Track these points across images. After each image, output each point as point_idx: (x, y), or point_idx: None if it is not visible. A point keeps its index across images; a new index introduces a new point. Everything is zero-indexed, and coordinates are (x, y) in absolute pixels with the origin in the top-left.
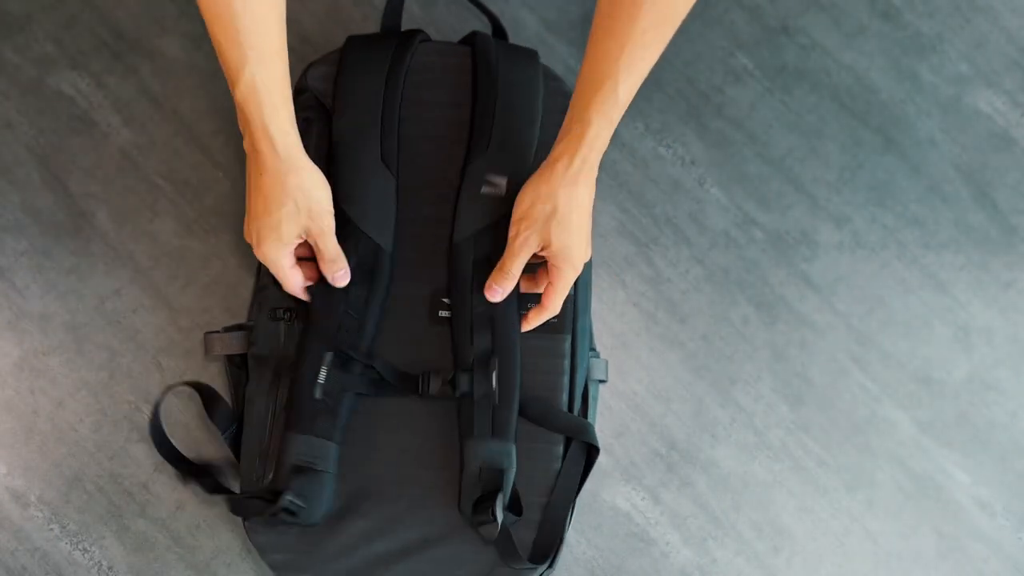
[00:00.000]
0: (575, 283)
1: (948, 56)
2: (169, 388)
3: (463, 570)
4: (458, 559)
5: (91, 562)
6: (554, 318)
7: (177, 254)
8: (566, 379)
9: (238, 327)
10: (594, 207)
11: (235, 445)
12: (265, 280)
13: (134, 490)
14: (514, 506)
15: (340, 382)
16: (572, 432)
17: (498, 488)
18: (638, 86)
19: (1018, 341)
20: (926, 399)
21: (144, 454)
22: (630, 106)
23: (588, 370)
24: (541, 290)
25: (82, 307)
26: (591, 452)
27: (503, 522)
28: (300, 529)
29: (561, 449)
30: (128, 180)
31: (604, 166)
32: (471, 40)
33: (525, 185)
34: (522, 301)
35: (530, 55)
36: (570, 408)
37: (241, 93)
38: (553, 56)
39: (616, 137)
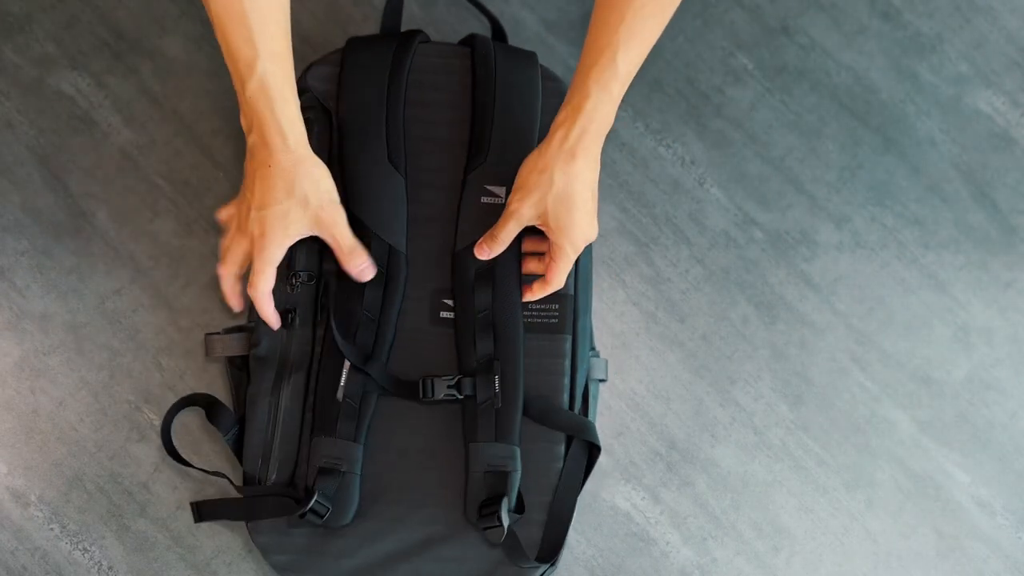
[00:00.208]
0: (575, 284)
1: (948, 56)
2: (173, 411)
3: (467, 569)
4: (462, 558)
5: (91, 562)
6: (554, 314)
7: (177, 254)
8: (567, 379)
9: (239, 328)
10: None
11: (237, 447)
12: None
13: (134, 490)
14: (517, 505)
15: (362, 384)
16: (574, 431)
17: (503, 492)
18: (639, 61)
19: (1018, 341)
20: (926, 399)
21: (144, 454)
22: (630, 106)
23: (588, 370)
24: (543, 270)
25: (82, 307)
26: (592, 451)
27: (511, 525)
28: (307, 530)
29: (562, 449)
30: (128, 180)
31: (604, 166)
32: (470, 42)
33: (527, 157)
34: (537, 304)
35: (529, 57)
36: (571, 407)
37: (252, 89)
38: (553, 56)
39: (616, 137)
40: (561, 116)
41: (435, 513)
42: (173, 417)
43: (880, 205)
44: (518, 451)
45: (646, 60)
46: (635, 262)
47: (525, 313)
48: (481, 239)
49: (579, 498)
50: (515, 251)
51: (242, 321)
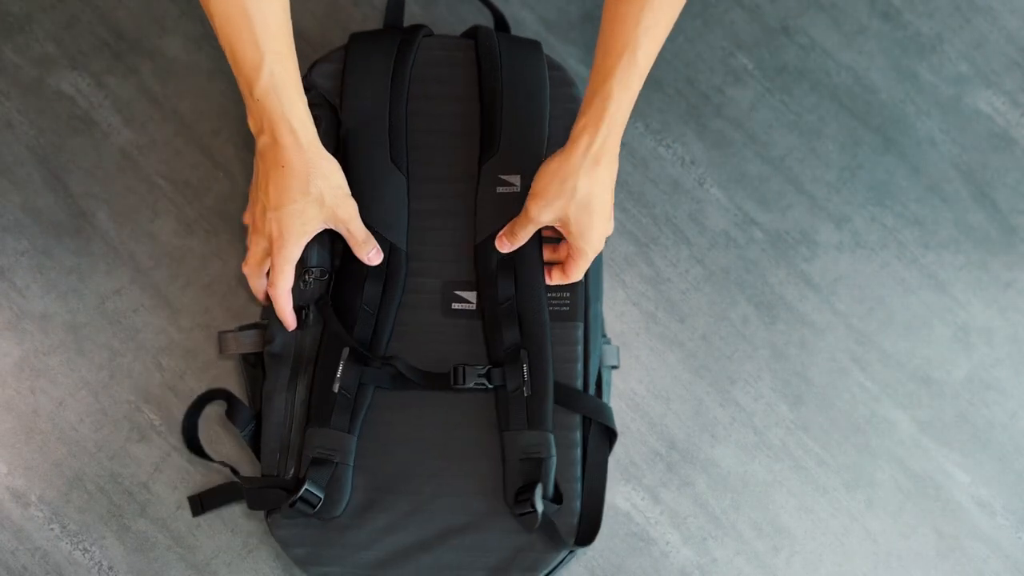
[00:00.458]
0: (586, 272)
1: (948, 56)
2: (196, 406)
3: (488, 557)
4: (482, 547)
5: (91, 562)
6: (566, 302)
7: (177, 254)
8: (580, 366)
9: (252, 325)
10: None
11: (254, 443)
12: None
13: (134, 490)
14: (555, 495)
15: (358, 376)
16: (593, 414)
17: (537, 479)
18: (656, 53)
19: (1018, 341)
20: (926, 399)
21: (144, 454)
22: None
23: (601, 356)
24: (562, 259)
25: (82, 307)
26: (610, 436)
27: (545, 511)
28: (323, 522)
29: (578, 435)
30: (128, 180)
31: None
32: (473, 34)
33: (547, 162)
34: (548, 292)
35: (533, 46)
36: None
37: (261, 90)
38: (553, 55)
39: None
40: (583, 121)
41: (453, 503)
42: (199, 414)
43: (880, 205)
44: (552, 438)
45: None
46: (635, 262)
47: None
48: (501, 232)
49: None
50: (536, 240)
51: (243, 319)
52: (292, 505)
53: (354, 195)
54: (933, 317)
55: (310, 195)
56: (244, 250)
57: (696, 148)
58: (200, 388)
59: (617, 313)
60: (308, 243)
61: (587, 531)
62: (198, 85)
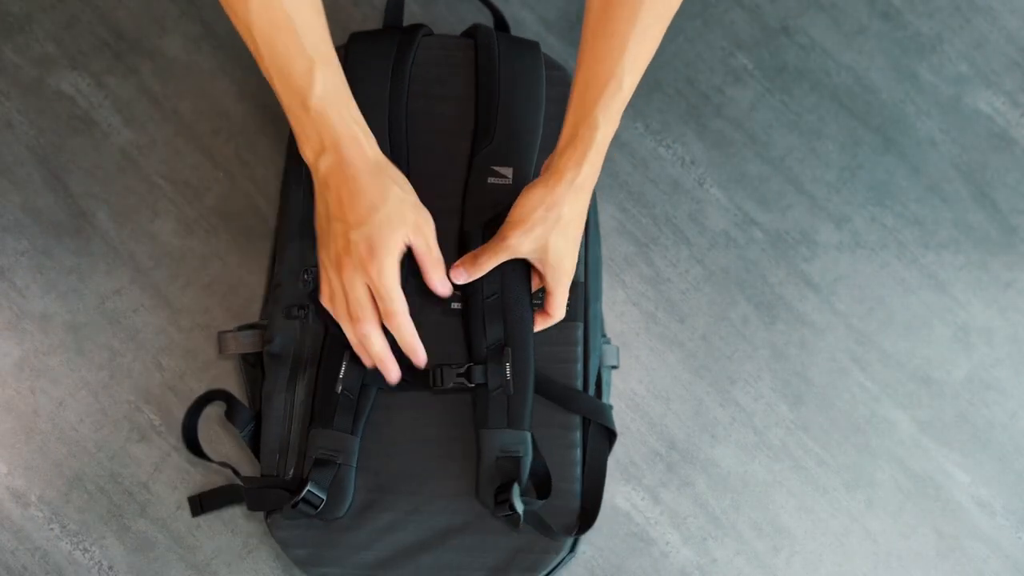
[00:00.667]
0: (585, 271)
1: (948, 56)
2: (196, 408)
3: (488, 557)
4: (482, 546)
5: (91, 562)
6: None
7: (177, 254)
8: (579, 366)
9: (251, 326)
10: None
11: (254, 443)
12: (279, 278)
13: (134, 490)
14: (543, 488)
15: (360, 377)
16: (592, 414)
17: (515, 477)
18: (640, 77)
19: (1018, 341)
20: (926, 399)
21: (144, 454)
22: (630, 106)
23: (600, 356)
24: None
25: (82, 307)
26: (610, 436)
27: (531, 508)
28: (323, 523)
29: (578, 435)
30: (128, 180)
31: (604, 166)
32: (473, 33)
33: (528, 190)
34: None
35: (531, 46)
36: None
37: (317, 99)
38: (553, 56)
39: (616, 137)
40: (569, 151)
41: (453, 503)
42: (198, 415)
43: (880, 205)
44: (529, 436)
45: None
46: (635, 262)
47: (537, 302)
48: (459, 262)
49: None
50: None
51: (243, 319)
52: (295, 506)
53: None
54: (933, 317)
55: (390, 201)
56: (247, 248)
57: (696, 148)
58: (200, 388)
59: (617, 313)
60: (305, 241)
61: (585, 525)
62: (198, 85)
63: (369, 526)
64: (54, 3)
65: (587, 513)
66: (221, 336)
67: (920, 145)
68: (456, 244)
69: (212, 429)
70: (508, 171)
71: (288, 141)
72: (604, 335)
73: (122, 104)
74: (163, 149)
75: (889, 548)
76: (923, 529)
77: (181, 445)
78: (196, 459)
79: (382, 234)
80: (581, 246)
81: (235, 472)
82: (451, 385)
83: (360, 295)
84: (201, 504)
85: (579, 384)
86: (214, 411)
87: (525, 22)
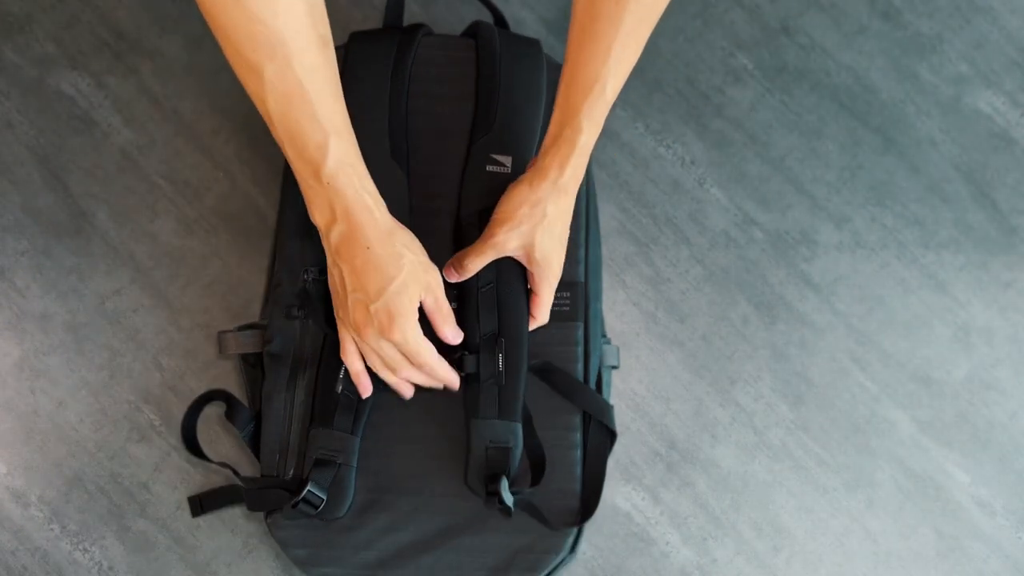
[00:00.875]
0: (585, 271)
1: (948, 56)
2: (195, 408)
3: (488, 557)
4: (482, 546)
5: (91, 562)
6: (566, 302)
7: (177, 254)
8: (580, 366)
9: (251, 326)
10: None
11: (254, 443)
12: (279, 278)
13: (134, 490)
14: (536, 471)
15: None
16: (595, 411)
17: (503, 468)
18: (624, 81)
19: (1018, 341)
20: (926, 399)
21: (144, 454)
22: (630, 106)
23: (601, 356)
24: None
25: (82, 307)
26: (610, 437)
27: (521, 495)
28: (323, 523)
29: (578, 436)
30: (128, 180)
31: (604, 166)
32: (474, 31)
33: (513, 187)
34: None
35: (532, 43)
36: None
37: (330, 170)
38: (553, 56)
39: (616, 137)
40: (553, 151)
41: (453, 503)
42: (197, 415)
43: (880, 205)
44: (519, 427)
45: (646, 60)
46: (635, 262)
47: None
48: (449, 262)
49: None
50: None
51: (243, 318)
52: (295, 506)
53: None
54: (933, 317)
55: (404, 268)
56: (248, 248)
57: (696, 148)
58: (200, 388)
59: (617, 313)
60: (305, 241)
61: (585, 516)
62: (198, 85)
63: (369, 526)
64: (54, 3)
65: (586, 505)
66: (221, 336)
67: (920, 145)
68: (451, 233)
69: (212, 429)
70: (507, 160)
71: None
72: (604, 335)
73: (122, 104)
74: (163, 149)
75: (889, 548)
76: (923, 529)
77: (181, 445)
78: (196, 459)
79: (401, 303)
80: (580, 246)
81: (235, 472)
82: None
83: (389, 353)
84: (201, 504)
85: None
86: (214, 411)
87: (525, 22)
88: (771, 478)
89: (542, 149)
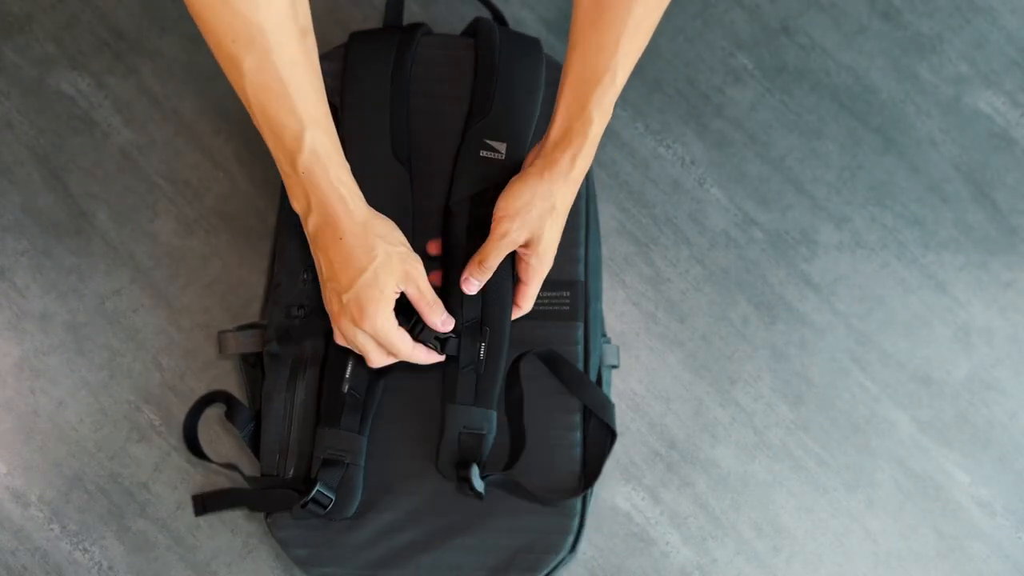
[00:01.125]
0: (585, 271)
1: (948, 56)
2: (196, 409)
3: (488, 557)
4: (482, 546)
5: (91, 562)
6: (566, 301)
7: (177, 254)
8: (579, 366)
9: (252, 326)
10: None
11: (254, 443)
12: (279, 278)
13: (134, 490)
14: (514, 454)
15: (367, 376)
16: (597, 408)
17: (475, 456)
18: (631, 69)
19: (1018, 341)
20: (926, 399)
21: (144, 454)
22: (630, 106)
23: (601, 356)
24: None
25: (82, 307)
26: (611, 436)
27: (493, 479)
28: (324, 523)
29: (579, 435)
30: (128, 180)
31: (604, 165)
32: (474, 29)
33: (520, 180)
34: (547, 292)
35: (532, 41)
36: None
37: (304, 161)
38: (553, 56)
39: (616, 137)
40: (564, 144)
41: (453, 503)
42: (198, 417)
43: (880, 205)
44: (495, 415)
45: (646, 60)
46: (635, 262)
47: (536, 301)
48: (466, 271)
49: None
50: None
51: (243, 318)
52: (304, 506)
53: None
54: (933, 317)
55: (377, 259)
56: (248, 248)
57: (696, 148)
58: (200, 388)
59: (617, 313)
60: (303, 242)
61: (584, 487)
62: (198, 85)
63: (370, 526)
64: (54, 3)
65: (588, 477)
66: (221, 336)
67: (920, 145)
68: (440, 218)
69: (212, 429)
70: (502, 146)
71: None
72: (604, 335)
73: (122, 104)
74: (163, 149)
75: (889, 548)
76: (923, 529)
77: (181, 445)
78: (196, 459)
79: (370, 294)
80: (580, 246)
81: (242, 475)
82: (427, 343)
83: (363, 342)
84: (204, 505)
85: None
86: (214, 411)
87: (525, 22)
88: (771, 478)
89: (550, 139)
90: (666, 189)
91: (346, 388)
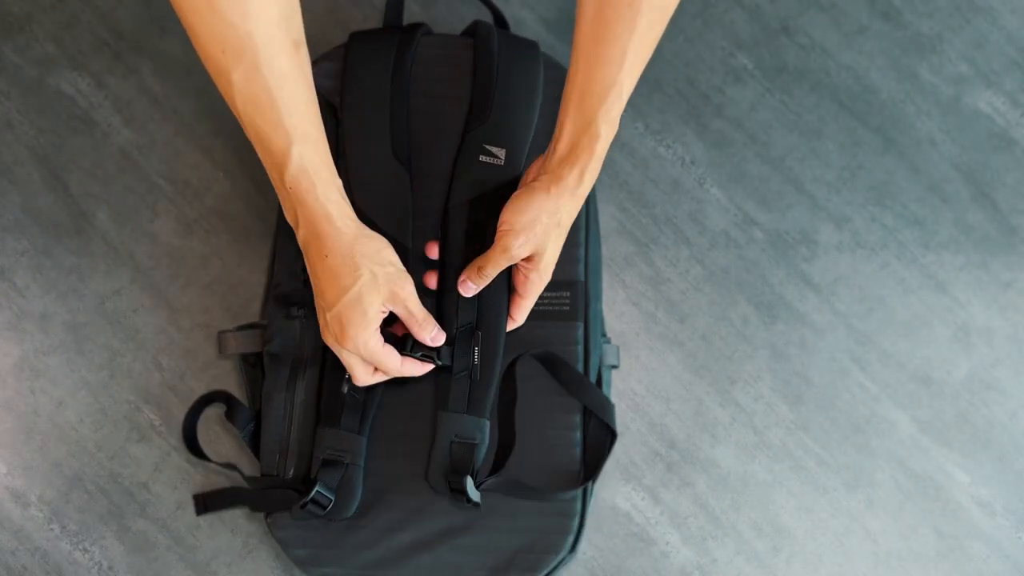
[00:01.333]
0: (585, 271)
1: (948, 56)
2: (196, 409)
3: (488, 557)
4: (482, 546)
5: (91, 562)
6: (566, 301)
7: (177, 254)
8: (579, 366)
9: (251, 326)
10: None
11: (253, 443)
12: (279, 278)
13: (134, 490)
14: (501, 455)
15: None
16: (597, 408)
17: (466, 467)
18: (637, 80)
19: (1018, 341)
20: (926, 399)
21: (144, 454)
22: (630, 106)
23: (601, 356)
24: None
25: (82, 307)
26: (611, 436)
27: (491, 487)
28: (324, 523)
29: (579, 435)
30: (128, 180)
31: (604, 165)
32: (473, 30)
33: (527, 194)
34: (547, 291)
35: (530, 44)
36: None
37: (292, 175)
38: (553, 55)
39: (616, 137)
40: (571, 158)
41: (453, 503)
42: (198, 416)
43: (880, 205)
44: (487, 424)
45: None
46: (635, 262)
47: (536, 301)
48: (464, 274)
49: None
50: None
51: (243, 318)
52: (304, 507)
53: (358, 192)
54: (933, 317)
55: (361, 278)
56: (248, 248)
57: (696, 148)
58: (200, 388)
59: (617, 313)
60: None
61: (585, 479)
62: (198, 85)
63: (369, 526)
64: (54, 3)
65: (588, 474)
66: (221, 336)
67: (920, 145)
68: (439, 222)
69: (212, 429)
70: (501, 152)
71: None
72: (604, 335)
73: (122, 104)
74: (163, 149)
75: (889, 548)
76: (923, 529)
77: (181, 445)
78: (196, 459)
79: (353, 314)
80: (580, 246)
81: (242, 475)
82: (419, 356)
83: (347, 359)
84: (206, 504)
85: None
86: (214, 411)
87: (525, 22)
88: (771, 478)
89: (556, 154)
90: (666, 189)
91: (346, 388)
